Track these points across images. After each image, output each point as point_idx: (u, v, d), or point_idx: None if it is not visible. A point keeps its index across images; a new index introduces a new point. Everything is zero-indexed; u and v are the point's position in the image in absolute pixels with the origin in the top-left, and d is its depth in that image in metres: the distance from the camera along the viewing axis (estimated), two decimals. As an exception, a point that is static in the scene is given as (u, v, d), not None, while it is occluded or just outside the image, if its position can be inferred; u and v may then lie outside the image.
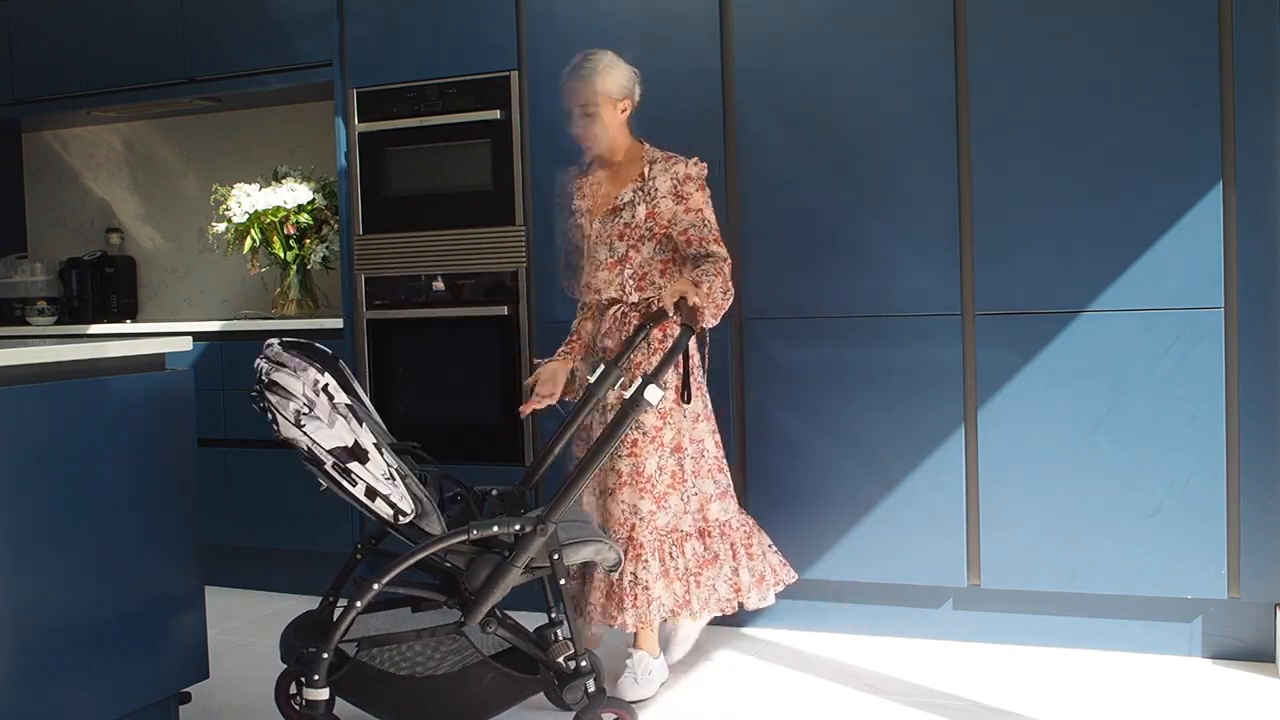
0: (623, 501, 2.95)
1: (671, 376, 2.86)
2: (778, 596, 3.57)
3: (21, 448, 2.31)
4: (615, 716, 2.59)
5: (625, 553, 2.93)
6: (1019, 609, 3.27)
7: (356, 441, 2.42)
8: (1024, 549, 3.19)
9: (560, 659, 2.53)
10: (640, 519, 2.94)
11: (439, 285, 3.88)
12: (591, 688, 2.55)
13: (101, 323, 4.72)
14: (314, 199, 4.27)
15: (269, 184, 4.32)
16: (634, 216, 2.96)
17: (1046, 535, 3.17)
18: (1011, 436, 3.20)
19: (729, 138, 3.46)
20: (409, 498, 2.48)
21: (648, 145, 3.06)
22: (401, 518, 2.48)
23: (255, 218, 4.26)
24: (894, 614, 3.39)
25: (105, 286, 4.91)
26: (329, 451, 2.41)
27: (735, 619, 3.52)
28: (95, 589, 2.45)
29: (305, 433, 2.39)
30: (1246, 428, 3.01)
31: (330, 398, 2.40)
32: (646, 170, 2.99)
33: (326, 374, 2.42)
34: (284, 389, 2.39)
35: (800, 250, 3.39)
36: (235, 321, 4.25)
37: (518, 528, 2.52)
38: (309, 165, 4.52)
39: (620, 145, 3.03)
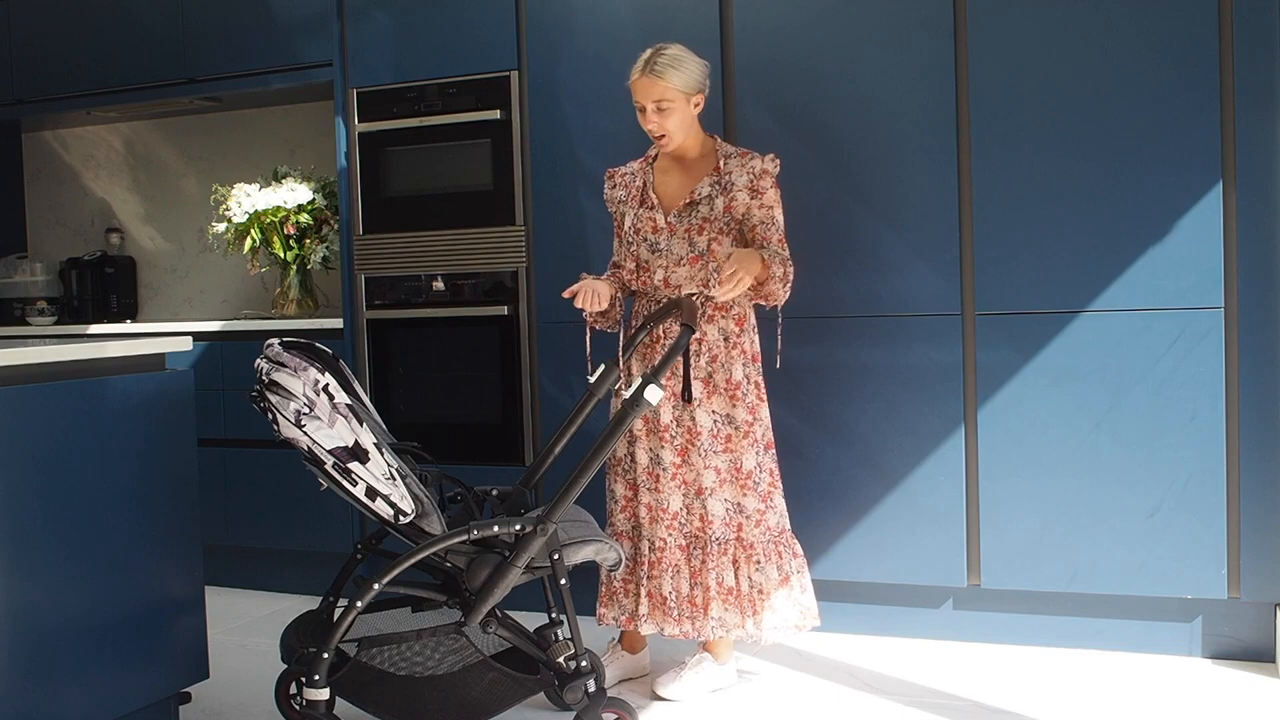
0: (725, 499, 2.91)
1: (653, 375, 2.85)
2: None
3: (21, 448, 2.31)
4: (615, 716, 2.59)
5: (735, 556, 2.91)
6: (1019, 609, 3.27)
7: (357, 441, 2.42)
8: (1024, 549, 3.19)
9: (560, 659, 2.53)
10: (746, 518, 2.91)
11: (439, 285, 3.88)
12: (592, 687, 2.55)
13: (101, 323, 4.72)
14: (314, 199, 4.27)
15: (269, 184, 4.32)
16: (712, 210, 2.91)
17: (1046, 535, 3.17)
18: (1011, 436, 3.20)
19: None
20: (409, 497, 2.48)
21: (719, 140, 3.03)
22: (402, 518, 2.48)
23: (255, 218, 4.26)
24: (894, 614, 3.39)
25: (105, 286, 4.91)
26: (329, 451, 2.41)
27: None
28: (95, 589, 2.45)
29: (306, 433, 2.39)
30: (1246, 427, 3.01)
31: (331, 398, 2.40)
32: (722, 164, 2.95)
33: (327, 374, 2.42)
34: (284, 389, 2.39)
35: (800, 250, 3.38)
36: (235, 321, 4.25)
37: (518, 528, 2.52)
38: (309, 165, 4.52)
39: (693, 142, 2.98)
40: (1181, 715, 2.74)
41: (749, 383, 2.94)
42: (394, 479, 2.46)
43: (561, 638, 2.56)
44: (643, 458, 2.95)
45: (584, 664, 2.54)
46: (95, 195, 5.12)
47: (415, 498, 2.50)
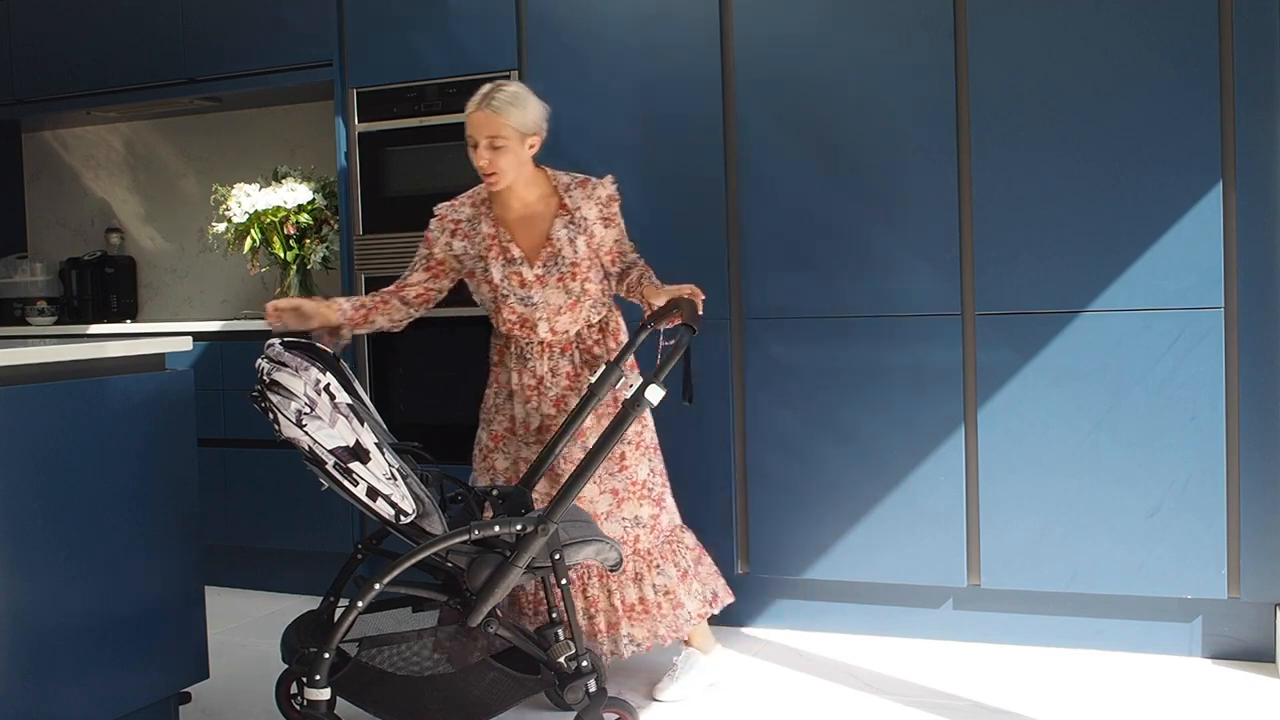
0: (623, 518, 2.93)
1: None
2: (777, 597, 3.58)
3: (21, 448, 2.31)
4: (616, 716, 2.59)
5: (636, 571, 2.93)
6: (1019, 609, 3.27)
7: (358, 441, 2.42)
8: (1024, 549, 3.19)
9: (561, 659, 2.53)
10: (643, 527, 2.93)
11: (439, 285, 3.87)
12: (593, 687, 2.55)
13: (101, 323, 4.72)
14: (314, 199, 4.27)
15: (269, 184, 4.32)
16: (576, 253, 2.87)
17: (1046, 535, 3.17)
18: (1011, 436, 3.20)
19: (729, 137, 3.46)
20: (410, 497, 2.48)
21: (549, 171, 2.96)
22: (403, 517, 2.48)
23: (255, 218, 4.26)
24: (894, 614, 3.39)
25: (105, 286, 4.91)
26: (330, 451, 2.41)
27: (734, 618, 3.52)
28: (95, 589, 2.45)
29: (307, 432, 2.39)
30: (1246, 427, 3.01)
31: (332, 397, 2.40)
32: (566, 200, 2.89)
33: (328, 374, 2.42)
34: (285, 389, 2.39)
35: (800, 250, 3.39)
36: (235, 321, 4.25)
37: (519, 527, 2.52)
38: (309, 165, 4.52)
39: (528, 182, 2.90)
40: (1181, 715, 2.74)
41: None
42: (395, 479, 2.46)
43: (562, 638, 2.56)
44: (500, 463, 2.98)
45: (585, 664, 2.54)
46: (95, 195, 5.12)
47: (416, 497, 2.49)
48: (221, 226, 4.34)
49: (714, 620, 3.54)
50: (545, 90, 3.68)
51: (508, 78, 3.73)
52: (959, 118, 3.23)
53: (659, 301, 2.78)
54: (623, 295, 2.96)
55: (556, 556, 2.56)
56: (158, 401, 2.61)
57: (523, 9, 3.71)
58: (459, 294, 3.86)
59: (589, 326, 2.96)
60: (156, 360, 2.68)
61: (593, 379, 2.91)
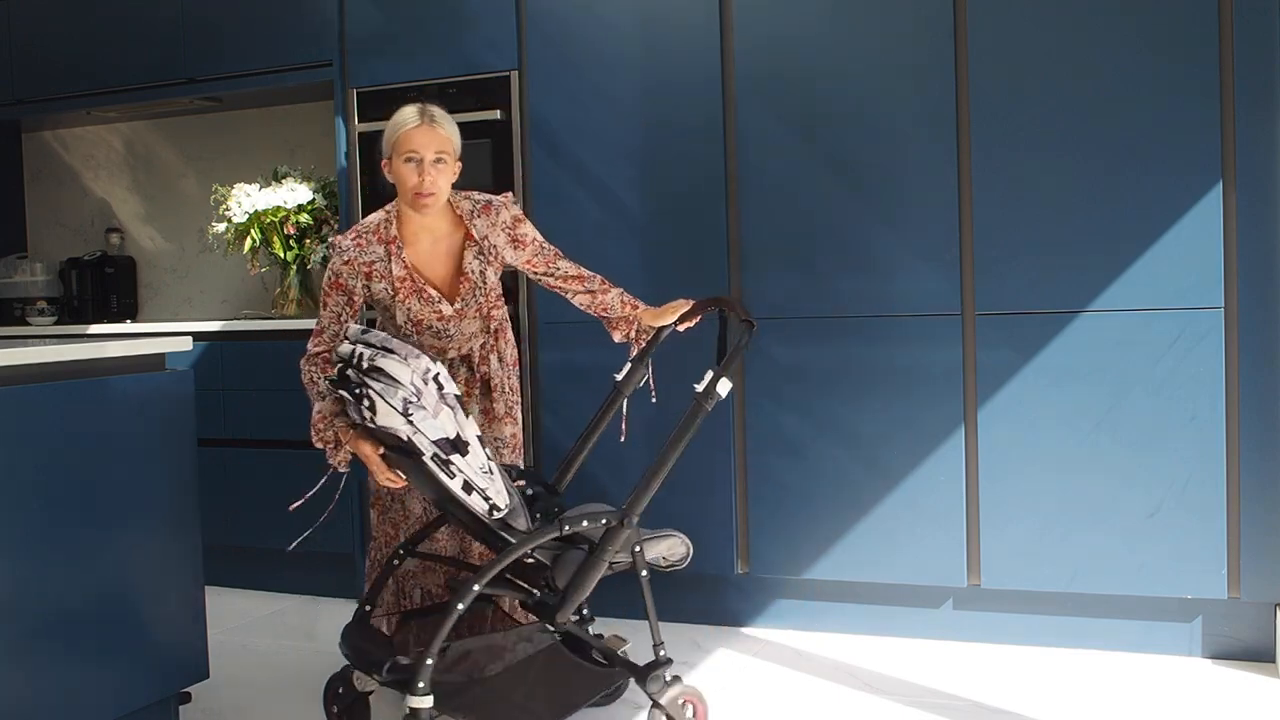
0: (494, 438, 2.97)
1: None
2: (777, 597, 3.58)
3: (21, 447, 2.30)
4: (690, 705, 2.60)
5: None
6: (1019, 609, 3.27)
7: (459, 433, 2.36)
8: (1024, 549, 3.19)
9: (618, 651, 2.56)
10: (506, 447, 2.98)
11: (439, 285, 3.87)
12: (669, 677, 2.55)
13: (101, 323, 4.72)
14: (314, 199, 4.27)
15: (269, 184, 4.32)
16: (487, 283, 2.82)
17: (1046, 535, 3.17)
18: (1011, 436, 3.20)
19: (729, 138, 3.46)
20: (504, 493, 2.43)
21: (449, 195, 2.82)
22: (496, 512, 2.42)
23: (255, 218, 4.26)
24: (894, 614, 3.39)
25: (105, 286, 4.91)
26: (433, 442, 2.33)
27: (735, 618, 3.53)
28: (95, 589, 2.45)
29: (412, 422, 2.31)
30: (1246, 427, 3.01)
31: (440, 387, 2.35)
32: (472, 229, 2.79)
33: (438, 363, 2.37)
34: (391, 376, 2.32)
35: (800, 250, 3.39)
36: (235, 321, 4.25)
37: (604, 521, 2.51)
38: (309, 165, 4.52)
39: (441, 208, 2.77)
40: (1181, 715, 2.74)
41: (514, 394, 2.99)
42: (491, 473, 2.40)
43: (606, 636, 2.60)
44: (415, 507, 2.93)
45: (663, 654, 2.55)
46: (95, 195, 5.12)
47: (508, 492, 2.45)
48: (221, 226, 4.34)
49: (714, 620, 3.56)
50: (545, 91, 3.69)
51: (507, 78, 3.74)
52: (959, 118, 3.23)
53: (662, 322, 2.84)
54: (594, 313, 2.93)
55: (638, 549, 2.55)
56: (158, 401, 2.61)
57: (523, 10, 3.71)
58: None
59: (490, 334, 2.96)
60: (156, 360, 2.68)
61: (619, 377, 2.90)
